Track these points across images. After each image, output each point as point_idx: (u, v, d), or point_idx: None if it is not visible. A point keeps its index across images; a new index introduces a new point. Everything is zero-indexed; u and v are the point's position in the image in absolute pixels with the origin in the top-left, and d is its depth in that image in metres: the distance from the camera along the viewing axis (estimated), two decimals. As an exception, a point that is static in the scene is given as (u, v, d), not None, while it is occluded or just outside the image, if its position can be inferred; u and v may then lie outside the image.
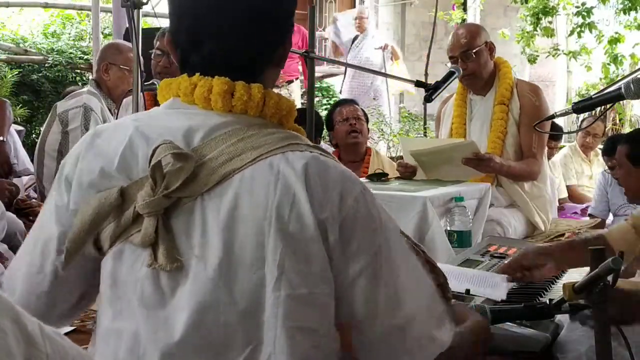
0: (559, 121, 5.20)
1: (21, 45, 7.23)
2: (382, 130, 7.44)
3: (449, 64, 2.98)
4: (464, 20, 7.50)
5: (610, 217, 4.28)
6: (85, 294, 1.14)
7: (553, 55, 6.99)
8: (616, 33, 6.44)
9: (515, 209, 3.01)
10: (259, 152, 1.01)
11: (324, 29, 9.36)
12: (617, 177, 2.52)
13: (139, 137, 1.05)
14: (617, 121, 7.83)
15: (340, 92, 7.50)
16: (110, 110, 3.37)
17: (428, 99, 2.52)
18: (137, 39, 2.19)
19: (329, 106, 8.58)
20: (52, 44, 7.32)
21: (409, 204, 2.35)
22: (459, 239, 2.40)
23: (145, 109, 2.33)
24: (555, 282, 2.03)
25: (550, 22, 6.84)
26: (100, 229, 1.04)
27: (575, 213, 4.77)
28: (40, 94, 6.94)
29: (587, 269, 1.34)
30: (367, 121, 3.89)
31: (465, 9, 7.99)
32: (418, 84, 2.55)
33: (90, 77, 4.76)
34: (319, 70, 7.55)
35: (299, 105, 6.25)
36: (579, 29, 6.44)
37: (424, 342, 1.06)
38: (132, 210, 1.02)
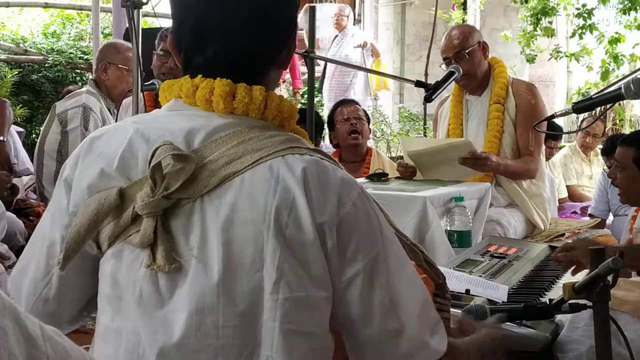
0: (559, 121, 5.20)
1: (21, 45, 7.23)
2: (382, 130, 7.44)
3: (443, 66, 3.00)
4: (464, 20, 7.50)
5: (611, 217, 4.28)
6: (93, 297, 1.13)
7: (555, 58, 6.99)
8: (616, 33, 6.44)
9: (514, 208, 3.02)
10: (259, 155, 1.01)
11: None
12: (613, 177, 2.49)
13: (139, 138, 1.05)
14: (617, 121, 7.82)
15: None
16: (109, 109, 3.37)
17: (428, 99, 2.52)
18: (137, 39, 2.19)
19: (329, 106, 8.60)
20: (52, 44, 7.32)
21: (409, 204, 2.35)
22: (459, 239, 2.40)
23: (146, 109, 2.33)
24: (555, 282, 2.03)
25: (551, 23, 6.84)
26: (99, 229, 1.04)
27: (575, 212, 4.77)
28: (40, 94, 6.94)
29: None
30: (369, 121, 3.88)
31: (465, 9, 7.99)
32: (418, 84, 2.55)
33: (90, 77, 4.76)
34: (319, 70, 7.52)
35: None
36: (580, 31, 6.44)
37: (417, 348, 1.06)
38: (131, 210, 1.02)
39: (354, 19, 9.49)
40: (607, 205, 4.27)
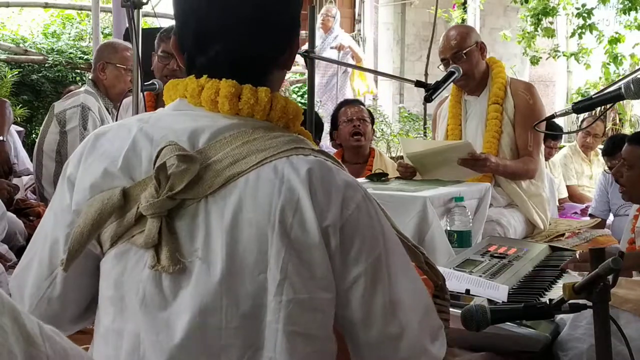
0: (559, 121, 5.20)
1: (21, 45, 7.22)
2: (382, 130, 7.44)
3: (441, 67, 3.00)
4: (464, 20, 7.50)
5: (611, 217, 4.28)
6: (96, 298, 1.13)
7: (553, 57, 6.99)
8: (616, 33, 6.44)
9: (514, 208, 3.02)
10: (264, 155, 1.01)
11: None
12: (619, 175, 2.47)
13: (143, 137, 1.05)
14: (617, 121, 7.82)
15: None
16: (107, 109, 3.37)
17: (428, 99, 2.52)
18: (137, 39, 2.19)
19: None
20: (52, 44, 7.31)
21: (409, 204, 2.35)
22: (459, 239, 2.40)
23: (146, 109, 2.33)
24: (555, 282, 2.03)
25: (552, 23, 6.84)
26: (102, 229, 1.03)
27: (576, 213, 4.77)
28: (40, 94, 6.94)
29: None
30: (373, 121, 3.86)
31: (465, 9, 7.99)
32: (418, 84, 2.55)
33: (88, 77, 4.76)
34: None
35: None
36: (579, 31, 6.44)
37: (417, 353, 1.06)
38: (134, 211, 1.01)
39: (354, 19, 9.49)
40: (607, 205, 4.27)
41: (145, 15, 3.15)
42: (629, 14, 6.24)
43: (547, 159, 4.55)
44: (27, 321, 0.65)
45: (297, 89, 8.13)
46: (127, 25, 3.00)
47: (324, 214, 0.98)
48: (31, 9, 8.44)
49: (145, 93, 2.36)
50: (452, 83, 2.78)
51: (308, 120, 2.40)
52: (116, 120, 3.11)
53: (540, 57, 6.94)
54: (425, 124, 7.52)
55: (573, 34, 6.65)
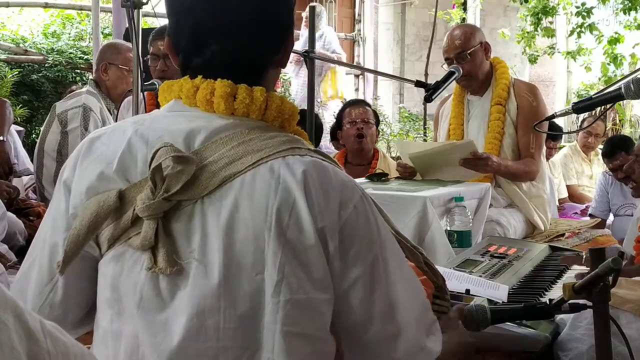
0: (559, 121, 5.20)
1: (21, 45, 7.22)
2: (382, 130, 7.44)
3: (445, 66, 2.99)
4: (463, 19, 7.50)
5: (611, 217, 4.29)
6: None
7: (549, 54, 6.99)
8: (616, 33, 6.44)
9: (514, 209, 3.01)
10: (259, 155, 1.01)
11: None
12: (631, 171, 2.46)
13: (138, 139, 1.05)
14: (617, 121, 7.83)
15: None
16: (109, 110, 3.37)
17: (428, 99, 2.51)
18: (137, 39, 2.19)
19: (329, 106, 8.60)
20: (52, 44, 7.31)
21: (409, 204, 2.35)
22: (459, 239, 2.40)
23: (146, 109, 2.33)
24: (555, 282, 2.03)
25: (551, 22, 6.84)
26: (98, 232, 1.03)
27: (576, 213, 4.77)
28: (40, 94, 6.93)
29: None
30: (378, 123, 3.82)
31: (465, 9, 7.99)
32: (418, 84, 2.55)
33: (90, 77, 4.77)
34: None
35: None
36: (579, 29, 6.44)
37: (414, 350, 1.07)
38: (130, 212, 1.01)
39: (354, 19, 9.49)
40: (607, 205, 4.28)
41: (145, 15, 3.14)
42: (628, 14, 6.24)
43: (547, 159, 4.55)
44: (29, 318, 0.65)
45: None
46: (127, 25, 3.00)
47: (321, 214, 0.98)
48: (31, 9, 8.44)
49: (145, 93, 2.36)
50: (454, 82, 2.77)
51: (308, 121, 2.40)
52: (116, 119, 3.12)
53: (539, 56, 6.94)
54: (425, 124, 7.52)
55: (572, 33, 6.64)
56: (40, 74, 6.97)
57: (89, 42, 7.12)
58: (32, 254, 1.12)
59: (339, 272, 1.00)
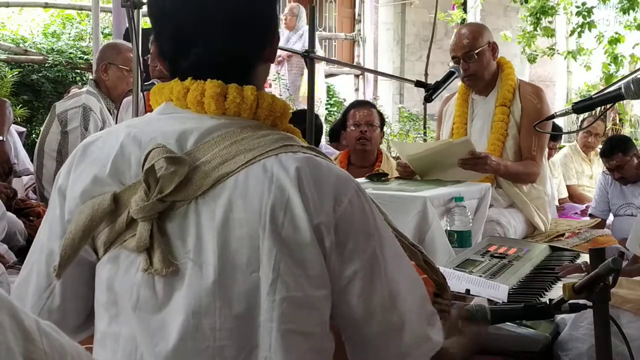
0: (559, 121, 5.20)
1: (21, 45, 7.23)
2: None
3: (451, 64, 2.97)
4: (464, 20, 7.50)
5: (611, 217, 4.28)
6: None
7: (549, 55, 6.99)
8: (616, 33, 6.44)
9: (515, 209, 3.01)
10: (252, 154, 1.01)
11: (323, 29, 9.37)
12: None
13: (131, 142, 1.05)
14: (617, 121, 7.83)
15: None
16: (109, 110, 3.38)
17: (428, 99, 2.51)
18: (137, 39, 2.19)
19: (329, 106, 8.61)
20: (52, 44, 7.32)
21: (409, 204, 2.35)
22: (459, 239, 2.40)
23: (146, 109, 2.33)
24: (556, 282, 2.03)
25: (551, 22, 6.84)
26: (94, 235, 1.03)
27: (576, 213, 4.77)
28: (40, 94, 6.94)
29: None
30: (383, 124, 3.80)
31: (465, 9, 7.99)
32: (418, 84, 2.55)
33: (90, 77, 4.77)
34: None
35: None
36: (579, 29, 6.44)
37: (419, 341, 1.06)
38: (125, 215, 1.01)
39: (354, 19, 9.50)
40: (607, 205, 4.28)
41: (145, 15, 3.15)
42: (628, 14, 6.24)
43: (547, 159, 4.54)
44: (24, 317, 0.65)
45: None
46: (127, 25, 3.00)
47: (316, 211, 0.98)
48: (31, 9, 8.45)
49: (145, 93, 2.36)
50: (457, 81, 2.77)
51: (308, 121, 2.40)
52: (116, 119, 3.12)
53: (537, 56, 6.94)
54: (425, 124, 7.53)
55: (573, 32, 6.64)
56: (40, 74, 6.98)
57: (89, 42, 7.13)
58: (30, 260, 1.12)
59: (337, 267, 1.00)
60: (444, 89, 2.53)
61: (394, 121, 8.12)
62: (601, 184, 4.34)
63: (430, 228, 2.32)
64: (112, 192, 1.02)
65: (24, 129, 4.35)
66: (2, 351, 0.60)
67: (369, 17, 9.37)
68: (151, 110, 1.16)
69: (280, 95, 6.94)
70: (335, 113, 8.39)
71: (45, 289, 1.09)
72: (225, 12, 1.07)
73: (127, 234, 1.02)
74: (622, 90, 1.78)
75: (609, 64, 6.35)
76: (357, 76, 9.27)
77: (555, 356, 1.71)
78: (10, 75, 6.62)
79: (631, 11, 6.18)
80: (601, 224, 4.04)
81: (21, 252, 2.73)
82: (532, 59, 6.96)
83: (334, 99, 8.89)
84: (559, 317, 1.74)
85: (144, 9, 2.25)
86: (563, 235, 3.09)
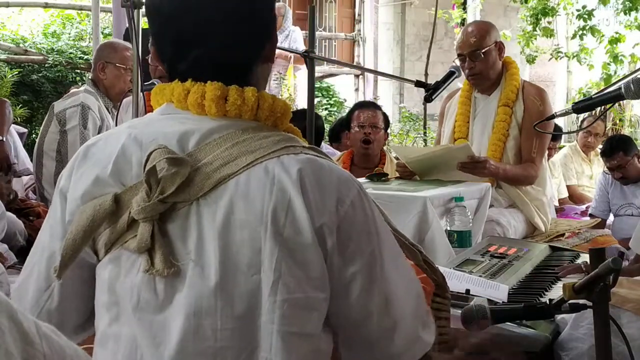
0: (559, 121, 5.19)
1: (21, 45, 7.23)
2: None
3: (456, 61, 2.96)
4: (464, 20, 7.49)
5: (611, 217, 4.28)
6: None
7: (555, 58, 6.99)
8: (616, 33, 6.44)
9: (515, 209, 3.01)
10: (254, 156, 1.01)
11: (323, 29, 9.37)
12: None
13: (132, 142, 1.05)
14: (617, 121, 7.83)
15: None
16: (107, 108, 3.37)
17: (428, 99, 2.51)
18: (137, 39, 2.19)
19: (329, 106, 8.61)
20: (52, 44, 7.32)
21: (409, 204, 2.35)
22: (459, 239, 2.40)
23: (146, 109, 2.33)
24: (556, 282, 2.03)
25: (550, 23, 6.84)
26: (95, 236, 1.03)
27: (576, 214, 4.77)
28: (40, 94, 6.94)
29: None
30: (388, 125, 3.78)
31: (465, 9, 7.99)
32: (418, 84, 2.55)
33: (88, 76, 4.77)
34: (319, 70, 7.49)
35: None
36: (580, 32, 6.44)
37: (410, 342, 1.07)
38: (126, 216, 1.01)
39: (354, 19, 9.49)
40: (607, 205, 4.27)
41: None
42: (629, 14, 6.24)
43: (547, 159, 4.54)
44: (23, 320, 0.65)
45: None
46: (127, 25, 3.00)
47: (318, 212, 0.98)
48: (31, 9, 8.44)
49: (145, 93, 2.35)
50: (456, 81, 2.76)
51: (308, 120, 2.39)
52: (116, 120, 3.12)
53: (536, 57, 6.94)
54: (425, 124, 7.52)
55: (574, 36, 6.64)
56: (40, 74, 6.97)
57: (89, 42, 7.13)
58: (31, 262, 1.12)
59: (338, 267, 1.00)
60: (444, 89, 2.52)
61: (394, 121, 8.10)
62: (601, 184, 4.34)
63: (430, 228, 2.32)
64: (113, 193, 1.02)
65: (25, 130, 4.35)
66: (1, 354, 0.59)
67: (369, 17, 9.37)
68: (151, 111, 1.16)
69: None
70: (335, 113, 8.38)
71: (44, 290, 1.09)
72: (225, 12, 1.06)
73: (128, 234, 1.02)
74: (622, 90, 1.78)
75: (609, 64, 6.35)
76: (357, 76, 9.26)
77: (556, 356, 1.71)
78: (10, 75, 6.62)
79: (632, 11, 6.18)
80: (601, 224, 4.04)
81: (21, 252, 2.73)
82: (531, 60, 6.96)
83: (334, 99, 8.88)
84: (559, 317, 1.74)
85: (144, 9, 2.26)
86: (563, 235, 3.09)
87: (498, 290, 1.81)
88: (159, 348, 0.98)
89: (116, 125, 3.00)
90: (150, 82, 2.73)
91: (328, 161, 1.06)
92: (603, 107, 2.13)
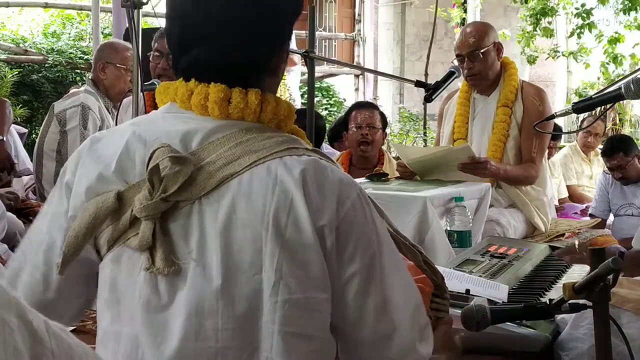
0: (559, 121, 5.20)
1: (21, 45, 7.23)
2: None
3: (455, 61, 2.96)
4: (464, 19, 7.50)
5: (611, 217, 4.28)
6: (92, 299, 1.12)
7: (553, 57, 6.99)
8: (616, 33, 6.45)
9: (515, 209, 3.01)
10: (257, 156, 1.01)
11: (323, 29, 9.37)
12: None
13: (136, 141, 1.05)
14: (617, 121, 7.83)
15: None
16: (107, 109, 3.37)
17: (428, 99, 2.51)
18: (137, 39, 2.19)
19: (328, 106, 8.62)
20: (52, 44, 7.32)
21: (409, 204, 2.35)
22: (459, 239, 2.40)
23: (146, 109, 2.33)
24: (555, 282, 2.03)
25: (550, 23, 6.84)
26: (97, 233, 1.03)
27: (576, 213, 4.77)
28: (40, 94, 6.94)
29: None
30: (385, 126, 3.78)
31: (465, 9, 7.99)
32: (418, 84, 2.55)
33: (88, 77, 4.77)
34: (319, 70, 7.49)
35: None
36: (578, 30, 6.45)
37: (406, 352, 1.06)
38: (129, 214, 1.01)
39: (354, 19, 9.48)
40: (607, 205, 4.28)
41: (145, 15, 3.14)
42: (628, 14, 6.25)
43: (547, 159, 4.54)
44: (33, 318, 0.65)
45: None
46: (127, 25, 3.00)
47: (319, 213, 0.98)
48: (31, 9, 8.45)
49: (145, 93, 2.35)
50: (455, 81, 2.76)
51: (308, 120, 2.39)
52: (116, 120, 3.12)
53: (537, 57, 6.94)
54: (425, 124, 7.52)
55: (572, 34, 6.65)
56: (40, 74, 6.98)
57: (89, 42, 7.13)
58: (22, 254, 1.12)
59: (336, 267, 1.00)
60: (444, 89, 2.52)
61: (394, 121, 8.12)
62: (601, 183, 4.34)
63: (430, 228, 2.32)
64: (116, 191, 1.02)
65: (25, 130, 4.35)
66: (9, 352, 0.59)
67: (369, 17, 9.37)
68: (151, 110, 1.16)
69: None
70: (335, 113, 8.39)
71: (40, 282, 1.09)
72: (231, 18, 1.06)
73: (130, 232, 1.02)
74: (622, 90, 1.78)
75: (608, 64, 6.35)
76: (357, 76, 9.27)
77: (556, 356, 1.71)
78: (10, 75, 6.62)
79: (632, 11, 6.18)
80: (601, 224, 4.04)
81: (21, 252, 2.73)
82: (531, 61, 6.96)
83: (334, 99, 8.89)
84: (559, 317, 1.74)
85: (144, 9, 2.26)
86: (563, 235, 3.09)
87: (498, 290, 1.81)
88: (160, 347, 0.98)
89: (116, 125, 3.00)
90: (150, 82, 2.73)
91: (330, 164, 1.06)
92: (603, 107, 2.13)
